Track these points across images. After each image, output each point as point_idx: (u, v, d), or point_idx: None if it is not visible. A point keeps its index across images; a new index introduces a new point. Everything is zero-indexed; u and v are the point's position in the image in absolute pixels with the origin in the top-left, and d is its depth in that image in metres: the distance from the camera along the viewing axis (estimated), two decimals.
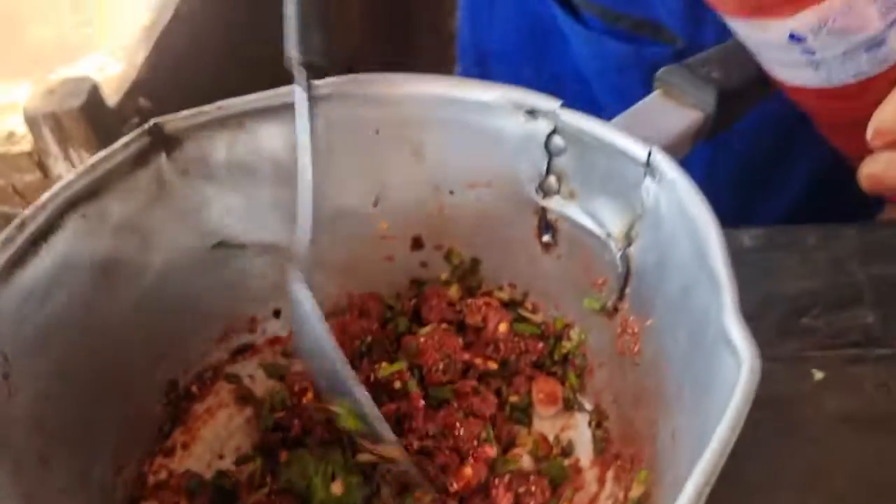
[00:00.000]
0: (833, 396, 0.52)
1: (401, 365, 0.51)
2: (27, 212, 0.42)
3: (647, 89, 0.54)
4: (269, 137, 0.49)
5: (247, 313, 0.56)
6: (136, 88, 0.77)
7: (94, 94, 0.70)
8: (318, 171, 0.48)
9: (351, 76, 0.50)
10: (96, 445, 0.47)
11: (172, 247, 0.50)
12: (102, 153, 0.45)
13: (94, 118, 0.70)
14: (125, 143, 0.46)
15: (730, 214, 0.42)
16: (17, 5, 0.84)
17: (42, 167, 0.73)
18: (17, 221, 0.42)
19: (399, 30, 1.52)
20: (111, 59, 0.78)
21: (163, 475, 0.51)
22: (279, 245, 0.54)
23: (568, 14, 0.77)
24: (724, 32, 0.50)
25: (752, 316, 0.57)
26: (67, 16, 0.83)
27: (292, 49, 0.48)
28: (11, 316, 0.41)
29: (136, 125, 0.77)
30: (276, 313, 0.57)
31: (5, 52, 0.81)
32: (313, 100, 0.48)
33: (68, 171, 0.72)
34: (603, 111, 0.48)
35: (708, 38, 0.66)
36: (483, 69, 0.91)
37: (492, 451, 0.49)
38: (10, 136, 0.73)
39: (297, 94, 0.48)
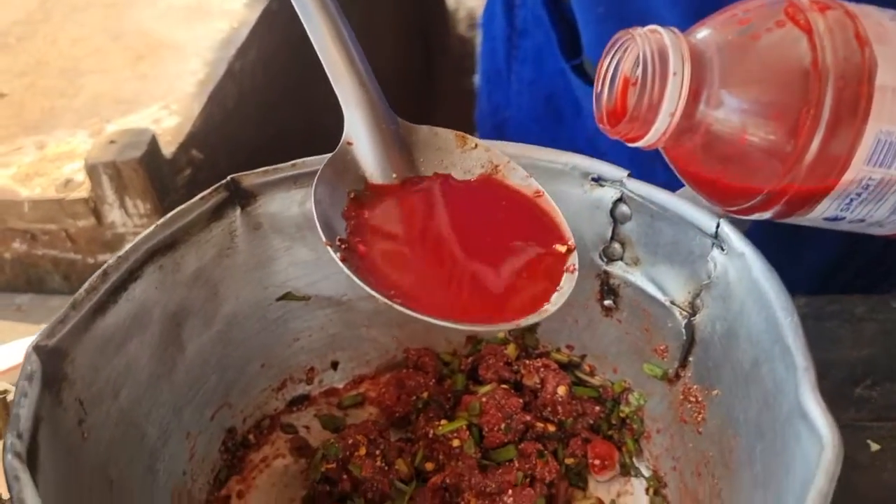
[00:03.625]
0: (889, 468, 0.52)
1: (461, 423, 0.52)
2: (110, 261, 0.43)
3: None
4: None
5: (305, 364, 0.57)
6: (190, 141, 0.79)
7: (153, 146, 0.72)
8: None
9: None
10: (156, 494, 0.47)
11: (240, 298, 0.51)
12: (181, 207, 0.46)
13: (151, 169, 0.72)
14: (203, 197, 0.47)
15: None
16: (75, 59, 0.86)
17: (97, 214, 0.74)
18: (99, 272, 0.43)
19: (424, 87, 1.58)
20: (167, 112, 0.80)
21: None
22: (341, 299, 0.55)
23: (586, 83, 0.79)
24: None
25: None
26: (124, 69, 0.85)
27: None
28: (90, 363, 0.42)
29: (189, 176, 0.79)
30: (334, 365, 0.58)
31: (63, 103, 0.82)
32: None
33: (122, 218, 0.74)
34: None
35: None
36: (499, 139, 0.92)
37: None
38: (68, 183, 0.74)
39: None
